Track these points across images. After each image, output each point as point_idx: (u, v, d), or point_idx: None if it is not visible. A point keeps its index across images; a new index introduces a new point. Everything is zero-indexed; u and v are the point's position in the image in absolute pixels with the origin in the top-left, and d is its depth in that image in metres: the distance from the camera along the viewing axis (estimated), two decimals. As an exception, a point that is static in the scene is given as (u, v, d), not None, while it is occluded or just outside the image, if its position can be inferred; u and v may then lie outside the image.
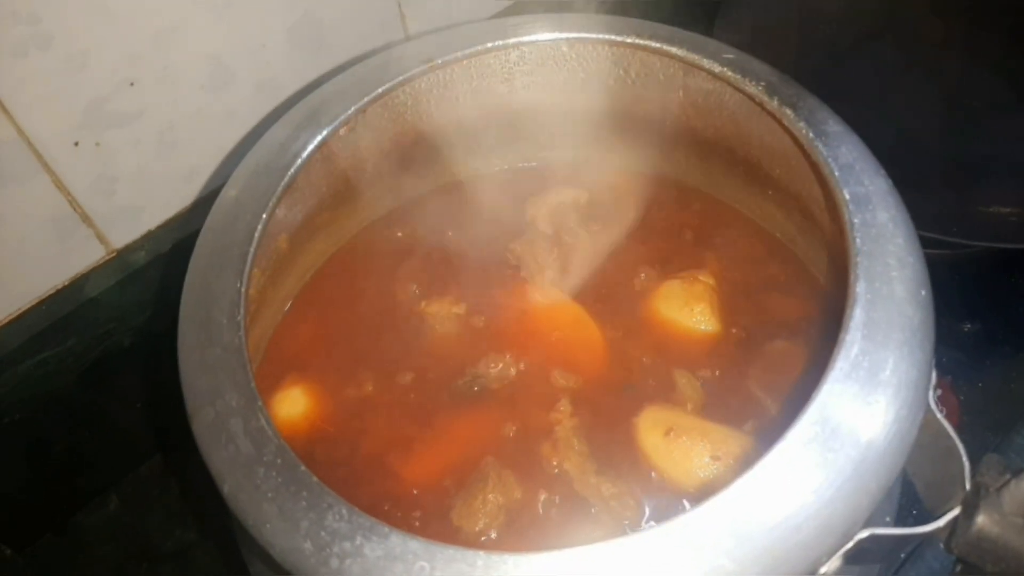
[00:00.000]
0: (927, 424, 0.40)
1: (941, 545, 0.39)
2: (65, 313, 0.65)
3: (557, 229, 0.61)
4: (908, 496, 0.46)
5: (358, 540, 0.34)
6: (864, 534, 0.36)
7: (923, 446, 0.40)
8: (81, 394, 0.68)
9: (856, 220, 0.42)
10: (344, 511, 0.35)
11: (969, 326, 0.68)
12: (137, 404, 0.74)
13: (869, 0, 0.80)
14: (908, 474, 0.43)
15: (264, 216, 0.44)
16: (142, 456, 0.77)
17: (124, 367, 0.70)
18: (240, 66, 0.65)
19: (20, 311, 0.64)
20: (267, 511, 0.35)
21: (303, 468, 0.36)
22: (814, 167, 0.45)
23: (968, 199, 0.67)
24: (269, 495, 0.36)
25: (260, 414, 0.38)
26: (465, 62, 0.53)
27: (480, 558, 0.34)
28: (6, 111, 0.56)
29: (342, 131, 0.51)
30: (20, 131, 0.57)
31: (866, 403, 0.37)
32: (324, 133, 0.49)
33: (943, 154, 0.68)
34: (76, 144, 0.60)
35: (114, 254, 0.67)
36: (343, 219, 0.59)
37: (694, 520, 0.34)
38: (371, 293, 0.58)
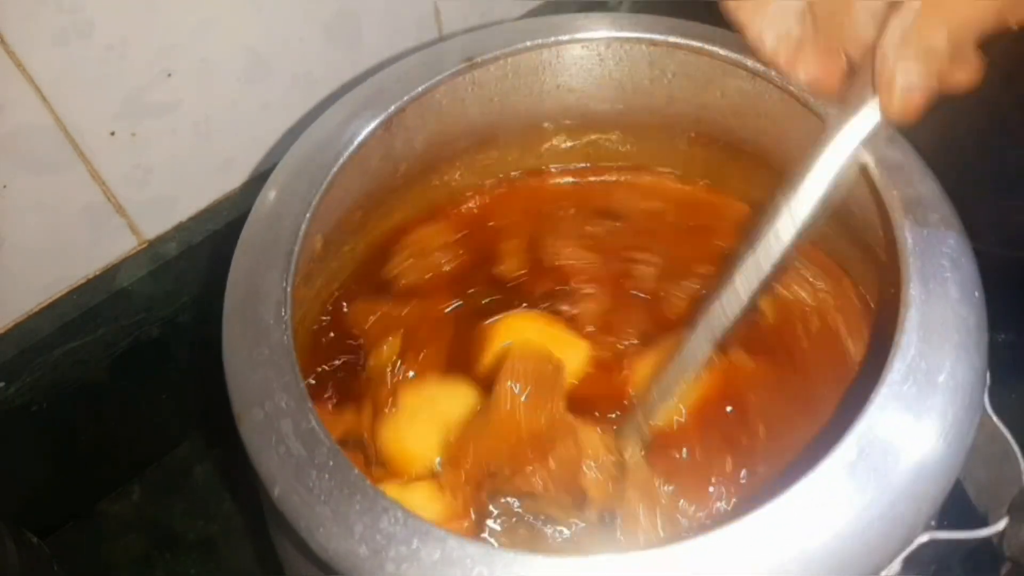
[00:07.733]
0: (982, 427, 0.39)
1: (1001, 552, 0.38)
2: (96, 303, 0.65)
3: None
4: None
5: (415, 544, 0.34)
6: (924, 538, 0.35)
7: (977, 449, 0.40)
8: (109, 384, 0.68)
9: (907, 221, 0.42)
10: (400, 514, 0.34)
11: (1003, 336, 0.67)
12: (162, 395, 0.74)
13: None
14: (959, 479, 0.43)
15: (308, 215, 0.44)
16: (165, 447, 0.77)
17: (152, 358, 0.70)
18: (277, 59, 0.65)
19: (51, 300, 0.64)
20: (320, 514, 0.35)
21: (356, 471, 0.36)
22: (861, 167, 0.45)
23: (1005, 208, 0.66)
24: (322, 498, 0.35)
25: (311, 415, 0.37)
26: (503, 61, 0.52)
27: (539, 561, 0.33)
28: (44, 100, 0.56)
29: (379, 132, 0.50)
30: (57, 120, 0.57)
31: (925, 407, 0.36)
32: (364, 134, 0.48)
33: (979, 162, 0.67)
34: (112, 134, 0.60)
35: (145, 244, 0.67)
36: (374, 221, 0.58)
37: (758, 521, 0.33)
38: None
